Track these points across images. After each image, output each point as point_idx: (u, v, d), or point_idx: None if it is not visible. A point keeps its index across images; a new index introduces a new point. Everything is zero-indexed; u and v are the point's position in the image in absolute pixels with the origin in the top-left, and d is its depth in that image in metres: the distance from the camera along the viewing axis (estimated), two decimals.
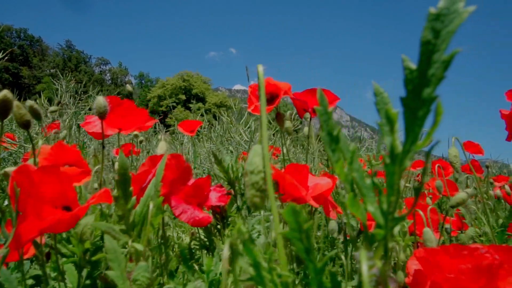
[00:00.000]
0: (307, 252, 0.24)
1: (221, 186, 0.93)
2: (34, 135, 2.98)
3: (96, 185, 0.72)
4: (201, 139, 2.94)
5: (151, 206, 0.44)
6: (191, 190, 0.85)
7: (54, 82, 4.12)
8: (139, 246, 0.44)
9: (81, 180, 0.62)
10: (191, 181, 0.86)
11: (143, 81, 60.02)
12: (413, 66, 0.24)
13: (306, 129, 1.47)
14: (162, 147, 0.68)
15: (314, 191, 0.63)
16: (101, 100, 0.66)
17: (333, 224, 1.00)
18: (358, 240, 1.24)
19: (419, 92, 0.24)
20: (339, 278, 1.11)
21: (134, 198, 0.45)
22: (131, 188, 0.43)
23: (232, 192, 0.97)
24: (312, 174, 0.69)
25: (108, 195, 0.42)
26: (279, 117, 1.12)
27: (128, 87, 1.56)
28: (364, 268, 0.24)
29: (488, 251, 0.50)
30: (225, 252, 0.28)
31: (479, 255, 0.47)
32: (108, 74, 59.94)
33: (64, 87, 4.40)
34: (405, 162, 0.25)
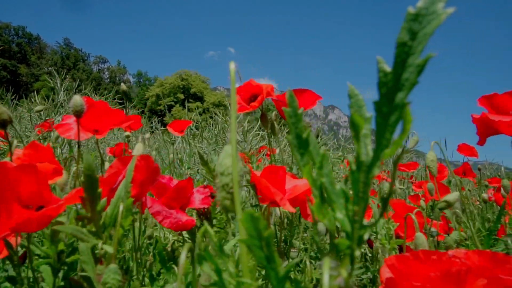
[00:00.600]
0: (268, 260, 0.23)
1: (205, 187, 0.91)
2: (27, 133, 2.96)
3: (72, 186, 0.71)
4: (198, 139, 2.93)
5: (121, 207, 0.43)
6: (173, 194, 0.84)
7: (49, 80, 4.10)
8: (109, 248, 0.42)
9: (53, 179, 0.60)
10: (174, 183, 0.85)
11: (141, 80, 59.94)
12: (388, 68, 0.23)
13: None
14: (138, 149, 0.67)
15: (291, 193, 0.62)
16: (77, 99, 0.65)
17: (321, 226, 0.99)
18: None
19: (393, 96, 0.23)
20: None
21: (104, 199, 0.44)
22: (99, 190, 0.42)
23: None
24: (293, 176, 0.68)
25: (79, 196, 0.41)
26: (263, 118, 1.12)
27: (123, 86, 1.54)
28: (326, 278, 0.23)
29: (457, 256, 0.49)
30: (182, 257, 0.27)
31: (448, 260, 0.46)
32: (106, 73, 59.84)
33: (59, 85, 4.39)
34: (373, 170, 0.24)
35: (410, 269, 0.49)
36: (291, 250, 0.87)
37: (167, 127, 2.09)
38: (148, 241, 1.29)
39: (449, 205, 0.70)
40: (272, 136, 1.21)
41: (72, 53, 53.20)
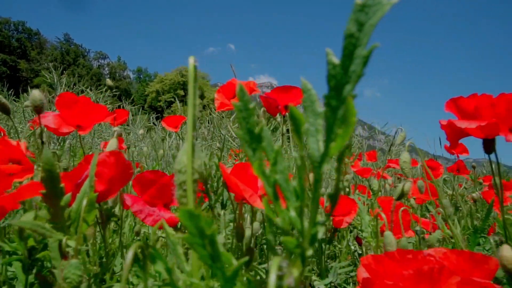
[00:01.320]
0: (213, 259, 0.23)
1: None
2: (20, 128, 2.95)
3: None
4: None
5: (84, 202, 0.42)
6: (155, 191, 0.83)
7: (46, 76, 4.09)
8: (72, 243, 0.42)
9: (23, 177, 0.60)
10: (155, 178, 0.84)
11: (141, 76, 59.88)
12: (337, 60, 0.22)
13: (283, 127, 1.46)
14: (112, 145, 0.66)
15: (263, 189, 0.62)
16: (35, 94, 0.64)
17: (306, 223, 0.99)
18: (333, 239, 1.22)
19: (341, 89, 0.22)
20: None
21: (68, 195, 0.43)
22: (61, 185, 0.41)
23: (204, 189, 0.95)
24: None
25: (36, 189, 0.40)
26: None
27: (108, 82, 1.54)
28: (272, 278, 0.22)
29: (433, 255, 0.48)
30: (128, 257, 0.26)
31: (423, 259, 0.46)
32: (106, 68, 59.74)
33: (56, 81, 4.38)
34: (323, 166, 0.23)
35: (386, 269, 0.48)
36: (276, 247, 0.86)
37: (162, 123, 2.09)
38: (137, 238, 1.28)
39: (405, 193, 0.70)
40: None
41: (72, 49, 53.10)
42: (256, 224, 0.98)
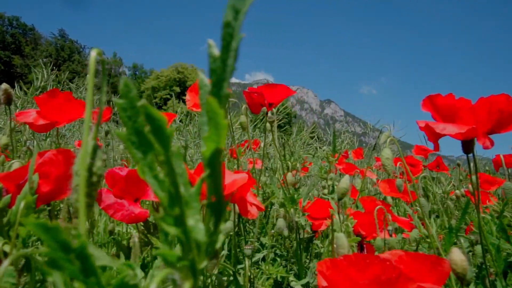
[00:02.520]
0: (85, 273, 0.20)
1: None
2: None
3: None
4: (181, 132, 2.89)
5: (21, 204, 0.39)
6: (124, 185, 0.80)
7: (36, 72, 4.05)
8: (7, 248, 0.39)
9: None
10: (123, 172, 0.81)
11: (137, 73, 59.60)
12: (218, 53, 0.20)
13: (267, 124, 1.43)
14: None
15: (228, 189, 0.59)
16: (3, 86, 0.61)
17: (280, 223, 0.96)
18: (313, 240, 1.20)
19: (222, 85, 0.20)
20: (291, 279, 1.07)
21: (7, 196, 0.41)
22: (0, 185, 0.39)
23: None
24: (235, 171, 0.65)
25: None
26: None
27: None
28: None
29: (389, 259, 0.46)
30: (4, 264, 0.24)
31: (380, 265, 0.43)
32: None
33: (46, 76, 4.33)
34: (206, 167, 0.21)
35: (343, 274, 0.46)
36: (245, 247, 0.84)
37: None
38: (112, 237, 1.26)
39: (346, 191, 0.68)
40: (242, 131, 1.18)
41: (67, 45, 52.72)
42: (230, 223, 0.95)
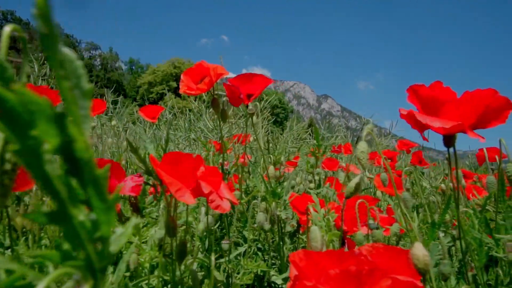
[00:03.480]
0: None
1: (140, 176, 0.86)
2: None
3: None
4: (171, 126, 2.86)
5: None
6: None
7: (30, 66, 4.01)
8: None
9: None
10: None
11: (133, 67, 59.28)
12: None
13: (254, 118, 1.41)
14: None
15: (187, 182, 0.57)
16: None
17: (260, 217, 0.94)
18: (296, 234, 1.19)
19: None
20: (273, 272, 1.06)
21: None
22: None
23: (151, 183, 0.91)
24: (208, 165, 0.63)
25: None
26: (214, 103, 1.06)
27: None
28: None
29: (362, 253, 0.44)
30: None
31: (353, 257, 0.42)
32: (98, 60, 59.01)
33: (36, 70, 4.29)
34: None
35: (315, 266, 0.44)
36: (223, 242, 0.82)
37: (139, 113, 2.01)
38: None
39: (357, 189, 0.66)
40: (221, 122, 1.15)
41: (62, 39, 52.19)
42: (210, 218, 0.93)
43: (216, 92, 1.13)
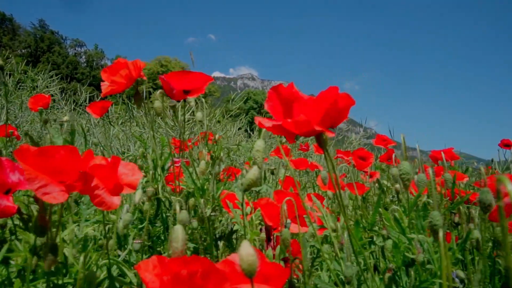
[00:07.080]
0: None
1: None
2: None
3: None
4: (127, 123, 2.79)
5: None
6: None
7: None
8: None
9: None
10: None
11: None
12: None
13: (199, 114, 1.37)
14: None
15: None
16: None
17: (183, 215, 0.90)
18: (231, 238, 1.15)
19: None
20: None
21: None
22: None
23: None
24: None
25: None
26: (136, 96, 1.02)
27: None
28: None
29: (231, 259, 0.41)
30: None
31: (186, 262, 0.38)
32: (83, 57, 58.09)
33: (15, 69, 4.17)
34: None
35: (168, 273, 0.40)
36: (134, 241, 0.78)
37: (87, 109, 1.95)
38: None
39: (256, 182, 0.62)
40: (157, 116, 1.11)
41: (46, 36, 51.30)
42: (128, 215, 0.88)
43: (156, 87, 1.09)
